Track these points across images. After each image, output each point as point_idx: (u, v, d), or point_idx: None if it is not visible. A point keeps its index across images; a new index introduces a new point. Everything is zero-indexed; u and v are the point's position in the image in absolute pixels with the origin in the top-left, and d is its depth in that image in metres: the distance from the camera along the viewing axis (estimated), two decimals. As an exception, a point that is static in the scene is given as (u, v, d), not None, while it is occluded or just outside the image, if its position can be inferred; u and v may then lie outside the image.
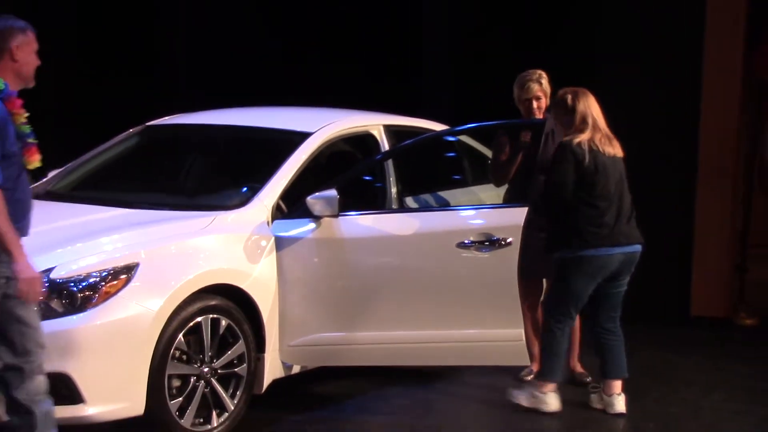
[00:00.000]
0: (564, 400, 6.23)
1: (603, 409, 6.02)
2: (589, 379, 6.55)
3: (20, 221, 4.30)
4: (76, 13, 10.17)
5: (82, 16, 10.27)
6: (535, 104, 6.43)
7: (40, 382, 4.39)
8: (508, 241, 5.57)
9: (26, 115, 4.34)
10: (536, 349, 6.55)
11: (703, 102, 8.38)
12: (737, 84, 8.40)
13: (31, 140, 4.38)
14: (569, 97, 5.91)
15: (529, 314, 6.42)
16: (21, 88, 4.38)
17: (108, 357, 4.81)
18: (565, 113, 5.89)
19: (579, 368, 6.62)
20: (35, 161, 4.42)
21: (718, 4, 8.25)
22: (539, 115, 6.41)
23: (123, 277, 4.93)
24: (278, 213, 5.70)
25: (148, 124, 6.77)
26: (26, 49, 4.35)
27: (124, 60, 10.20)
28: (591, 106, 5.92)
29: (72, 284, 4.81)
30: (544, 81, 6.44)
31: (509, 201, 6.32)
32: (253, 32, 9.81)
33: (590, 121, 5.84)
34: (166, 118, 6.87)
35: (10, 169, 4.23)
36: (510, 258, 5.57)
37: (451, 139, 7.09)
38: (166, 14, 10.28)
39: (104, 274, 4.89)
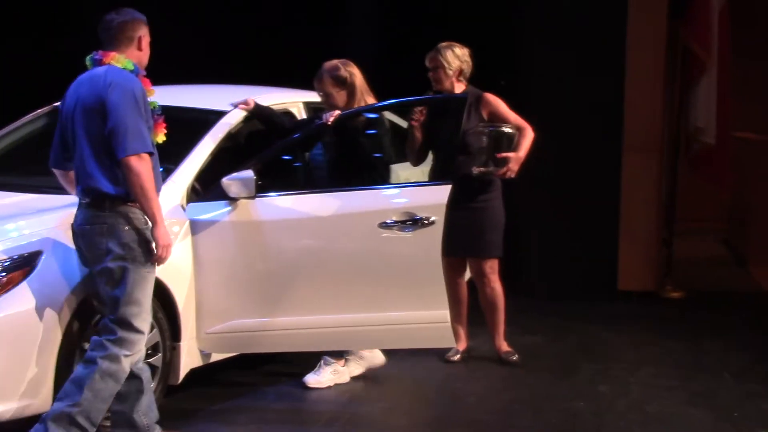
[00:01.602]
0: (494, 382, 6.16)
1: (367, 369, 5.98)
2: (515, 358, 6.43)
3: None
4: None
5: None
6: (430, 75, 6.27)
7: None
8: (431, 220, 5.39)
9: (155, 92, 4.76)
10: (462, 329, 6.43)
11: (627, 73, 8.30)
12: (661, 54, 8.32)
13: (159, 114, 4.82)
14: (347, 71, 5.87)
15: (452, 293, 6.31)
16: None
17: (10, 352, 4.55)
18: (343, 87, 5.83)
19: (505, 347, 6.50)
20: (161, 134, 4.87)
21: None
22: (436, 87, 6.26)
23: (26, 266, 4.66)
24: (194, 195, 5.49)
25: (57, 104, 6.46)
26: (147, 40, 4.71)
27: (31, 30, 9.73)
28: (362, 79, 5.93)
29: (-28, 275, 4.53)
30: (448, 52, 6.24)
31: (433, 178, 6.15)
32: (172, 6, 9.45)
33: (365, 97, 5.88)
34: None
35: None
36: (433, 237, 5.40)
37: (372, 116, 6.90)
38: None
39: (5, 263, 4.63)
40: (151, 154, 4.56)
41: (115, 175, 4.52)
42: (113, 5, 4.79)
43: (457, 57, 6.22)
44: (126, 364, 4.55)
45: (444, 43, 6.28)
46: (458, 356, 6.36)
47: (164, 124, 4.88)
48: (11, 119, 6.43)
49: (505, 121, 6.19)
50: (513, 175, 6.12)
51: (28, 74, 9.13)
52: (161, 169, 5.52)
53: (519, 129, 6.16)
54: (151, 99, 4.71)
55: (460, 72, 6.24)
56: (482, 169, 6.10)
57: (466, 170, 6.08)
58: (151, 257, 4.59)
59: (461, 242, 6.11)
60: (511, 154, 6.07)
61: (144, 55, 4.71)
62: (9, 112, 6.68)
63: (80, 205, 4.64)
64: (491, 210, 6.27)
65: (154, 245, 4.59)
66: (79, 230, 4.62)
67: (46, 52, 9.33)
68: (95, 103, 4.52)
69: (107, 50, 4.65)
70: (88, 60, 4.71)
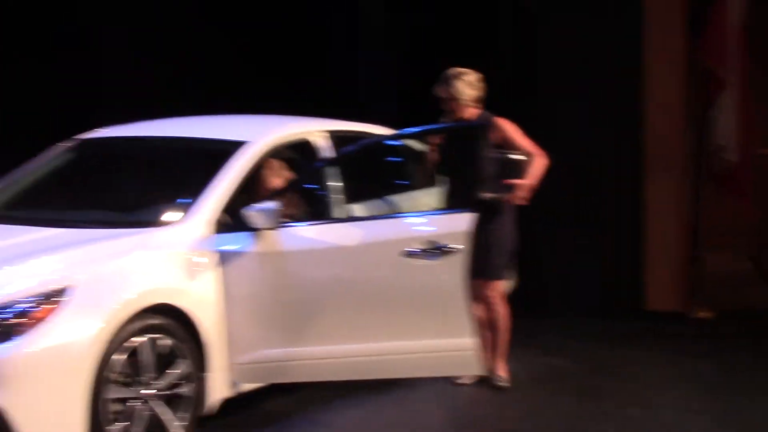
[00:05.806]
0: (519, 405, 6.12)
1: None
2: (501, 383, 6.32)
3: None
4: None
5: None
6: (443, 105, 6.26)
7: None
8: (457, 247, 5.40)
9: None
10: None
11: (647, 91, 8.30)
12: (681, 73, 8.32)
13: None
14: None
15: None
16: None
17: (42, 387, 4.57)
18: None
19: (498, 370, 6.36)
20: None
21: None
22: (453, 117, 6.24)
23: (55, 301, 4.69)
24: (221, 226, 5.50)
25: (80, 137, 6.53)
26: None
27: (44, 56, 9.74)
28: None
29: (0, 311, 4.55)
30: (459, 82, 6.21)
31: (450, 205, 6.11)
32: (182, 34, 9.49)
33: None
34: (98, 130, 6.61)
35: None
36: (458, 265, 5.41)
37: (394, 143, 6.92)
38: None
39: (35, 299, 4.65)
40: None
41: None
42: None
43: (469, 85, 6.21)
44: None
45: (453, 71, 6.24)
46: (469, 380, 6.27)
47: None
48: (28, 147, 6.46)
49: (515, 147, 6.16)
50: (522, 202, 6.10)
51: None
52: (180, 203, 5.61)
53: (529, 155, 6.12)
54: None
55: (474, 99, 6.24)
56: (491, 194, 6.10)
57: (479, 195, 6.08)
58: None
59: (473, 264, 6.09)
60: (518, 181, 6.04)
61: None
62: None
63: None
64: (500, 234, 6.23)
65: None
66: None
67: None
68: None
69: None
70: None
